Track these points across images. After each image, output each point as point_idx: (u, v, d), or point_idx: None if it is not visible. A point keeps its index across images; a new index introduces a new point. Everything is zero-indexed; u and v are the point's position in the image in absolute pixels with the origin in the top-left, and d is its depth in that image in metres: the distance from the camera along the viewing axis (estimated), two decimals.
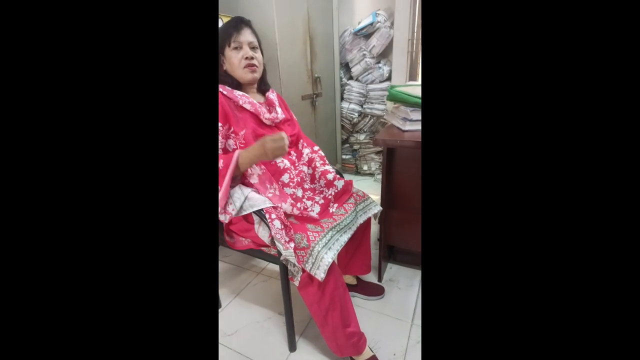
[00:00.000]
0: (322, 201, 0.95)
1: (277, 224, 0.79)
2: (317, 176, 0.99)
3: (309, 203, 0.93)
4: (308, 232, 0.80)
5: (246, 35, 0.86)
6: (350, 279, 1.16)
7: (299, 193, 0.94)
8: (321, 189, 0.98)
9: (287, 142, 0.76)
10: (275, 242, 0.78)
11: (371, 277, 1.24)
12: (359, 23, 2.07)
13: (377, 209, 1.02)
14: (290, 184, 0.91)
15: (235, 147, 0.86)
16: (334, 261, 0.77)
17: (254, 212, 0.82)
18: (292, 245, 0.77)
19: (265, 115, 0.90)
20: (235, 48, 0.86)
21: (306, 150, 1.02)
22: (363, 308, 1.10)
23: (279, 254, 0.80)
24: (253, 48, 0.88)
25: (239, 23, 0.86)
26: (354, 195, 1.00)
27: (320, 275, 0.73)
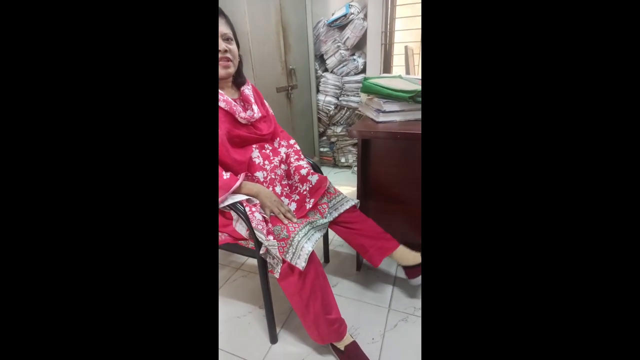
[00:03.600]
0: (297, 197, 0.95)
1: (257, 216, 0.80)
2: (292, 171, 0.99)
3: (285, 201, 0.94)
4: (287, 224, 0.81)
5: (219, 26, 0.80)
6: (413, 258, 1.02)
7: (278, 190, 0.94)
8: (296, 185, 0.98)
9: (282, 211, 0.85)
10: (256, 232, 0.78)
11: (349, 267, 1.26)
12: (333, 14, 2.06)
13: (350, 203, 1.01)
14: (264, 183, 0.91)
15: None
16: (313, 250, 0.78)
17: (232, 208, 0.81)
18: (272, 237, 0.78)
19: (241, 114, 0.87)
20: None
21: (282, 149, 1.02)
22: (342, 296, 1.13)
23: (257, 247, 0.80)
24: (227, 40, 0.82)
25: None
26: (327, 193, 0.99)
27: (301, 264, 0.74)
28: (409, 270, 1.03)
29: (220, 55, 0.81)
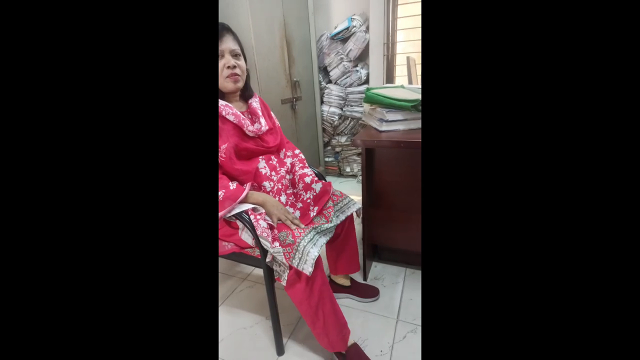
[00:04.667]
0: (300, 205, 0.96)
1: (262, 223, 0.80)
2: (296, 180, 1.00)
3: (290, 210, 0.95)
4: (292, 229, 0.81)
5: (228, 43, 0.83)
6: (343, 281, 1.16)
7: (283, 199, 0.95)
8: (300, 193, 0.99)
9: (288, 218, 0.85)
10: (262, 240, 0.79)
11: (356, 276, 1.25)
12: (335, 27, 2.11)
13: (356, 206, 1.02)
14: (271, 193, 0.92)
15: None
16: (319, 256, 0.78)
17: (238, 218, 0.82)
18: (277, 244, 0.79)
19: (249, 128, 0.89)
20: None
21: (288, 159, 1.03)
22: (349, 307, 1.12)
23: (263, 255, 0.80)
24: (235, 55, 0.86)
25: (220, 30, 0.83)
26: (332, 196, 0.99)
27: (308, 269, 0.74)
28: (334, 286, 1.16)
29: (229, 71, 0.85)
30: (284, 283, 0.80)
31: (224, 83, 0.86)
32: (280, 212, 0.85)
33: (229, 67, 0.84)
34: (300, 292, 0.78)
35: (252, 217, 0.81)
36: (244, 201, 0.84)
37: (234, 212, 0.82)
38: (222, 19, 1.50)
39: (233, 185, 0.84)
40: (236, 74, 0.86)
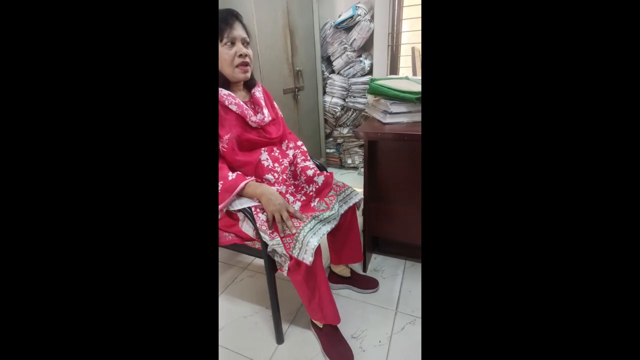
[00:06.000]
0: (303, 198, 0.96)
1: (262, 216, 0.80)
2: (298, 172, 0.99)
3: (291, 199, 0.94)
4: (293, 220, 0.81)
5: (239, 30, 0.81)
6: (343, 271, 1.17)
7: (282, 189, 0.94)
8: (302, 185, 0.99)
9: (285, 217, 0.81)
10: (261, 233, 0.79)
11: (356, 268, 1.26)
12: (339, 16, 2.06)
13: (358, 197, 1.01)
14: (276, 184, 0.92)
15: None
16: (319, 244, 0.79)
17: (239, 209, 0.82)
18: (276, 235, 0.79)
19: (252, 118, 0.88)
20: (227, 44, 0.81)
21: (290, 151, 1.03)
22: (348, 298, 1.13)
23: (264, 246, 0.80)
24: (246, 44, 0.84)
25: (230, 17, 0.81)
26: (334, 187, 0.99)
27: (308, 259, 0.75)
28: (334, 277, 1.17)
29: (241, 59, 0.83)
30: (285, 273, 0.80)
31: (233, 72, 0.84)
32: (276, 207, 0.80)
33: (240, 55, 0.82)
34: (301, 277, 0.79)
35: (252, 209, 0.81)
36: (241, 193, 0.83)
37: (235, 208, 0.82)
38: (224, 5, 1.46)
39: (232, 176, 0.83)
40: (247, 63, 0.85)
